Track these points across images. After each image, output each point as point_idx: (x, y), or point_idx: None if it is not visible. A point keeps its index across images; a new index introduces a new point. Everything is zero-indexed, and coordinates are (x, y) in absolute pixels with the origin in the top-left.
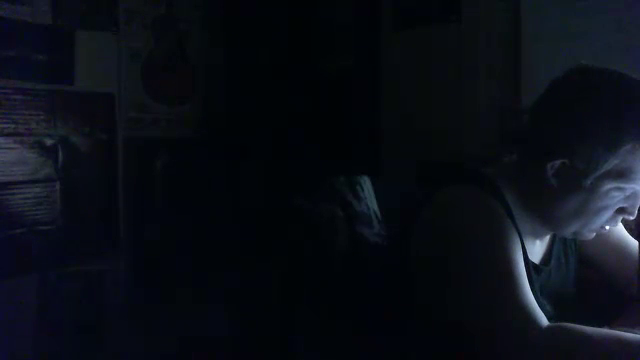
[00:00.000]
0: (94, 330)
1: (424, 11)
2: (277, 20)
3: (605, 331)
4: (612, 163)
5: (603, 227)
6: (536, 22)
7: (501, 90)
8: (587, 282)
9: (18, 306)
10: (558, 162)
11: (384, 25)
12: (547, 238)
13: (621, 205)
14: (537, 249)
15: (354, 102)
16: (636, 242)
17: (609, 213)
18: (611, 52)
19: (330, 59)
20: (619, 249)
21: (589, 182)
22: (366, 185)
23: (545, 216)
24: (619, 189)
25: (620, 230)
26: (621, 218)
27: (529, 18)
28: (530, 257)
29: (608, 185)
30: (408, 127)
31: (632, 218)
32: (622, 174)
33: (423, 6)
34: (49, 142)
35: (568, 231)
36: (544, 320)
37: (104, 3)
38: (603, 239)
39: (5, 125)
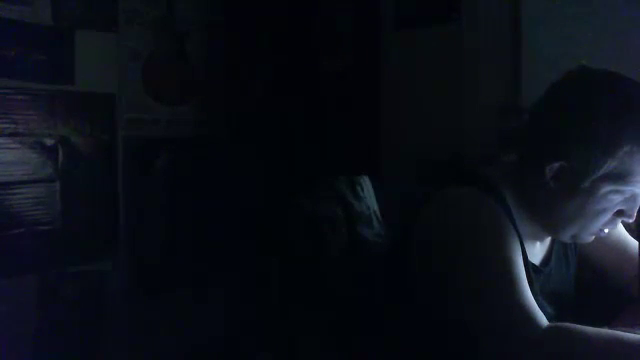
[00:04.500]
0: (94, 330)
1: (424, 11)
2: (277, 20)
3: (605, 331)
4: (610, 165)
5: (602, 230)
6: (536, 22)
7: (501, 90)
8: (587, 282)
9: (18, 306)
10: (557, 164)
11: (384, 25)
12: (547, 239)
13: (620, 208)
14: (537, 250)
15: (354, 102)
16: (636, 242)
17: (608, 216)
18: (611, 53)
19: (330, 59)
20: (619, 249)
21: (587, 184)
22: (366, 185)
23: (544, 218)
24: (617, 192)
25: (620, 230)
26: (620, 221)
27: (529, 18)
28: (530, 258)
29: (606, 188)
30: (408, 127)
31: (631, 221)
32: (620, 176)
33: (423, 6)
34: (49, 142)
35: (567, 234)
36: (544, 320)
37: (104, 3)
38: (603, 240)
39: (5, 125)
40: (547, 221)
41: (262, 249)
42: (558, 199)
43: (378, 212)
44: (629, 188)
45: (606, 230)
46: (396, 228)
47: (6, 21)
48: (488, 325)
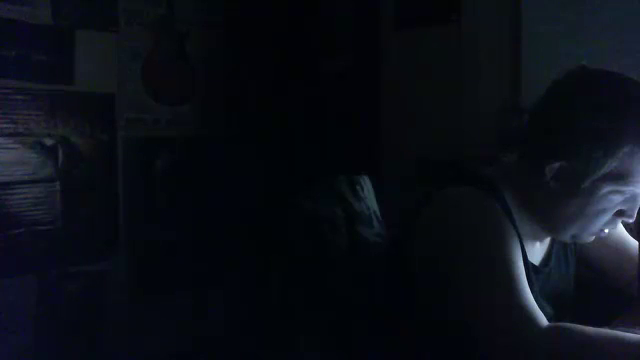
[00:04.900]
0: (94, 330)
1: (424, 11)
2: (277, 20)
3: (605, 331)
4: (611, 166)
5: (602, 230)
6: (536, 22)
7: (501, 90)
8: (587, 282)
9: (18, 306)
10: (557, 164)
11: (384, 25)
12: (547, 239)
13: (620, 208)
14: (537, 250)
15: (354, 102)
16: (636, 242)
17: (608, 216)
18: (611, 52)
19: (330, 59)
20: (619, 249)
21: (588, 185)
22: (366, 185)
23: (544, 218)
24: (618, 192)
25: (620, 230)
26: (620, 221)
27: (529, 18)
28: (530, 258)
29: (606, 188)
30: (408, 127)
31: (631, 221)
32: (621, 177)
33: (423, 6)
34: (49, 142)
35: (567, 234)
36: (544, 320)
37: (104, 3)
38: (603, 240)
39: (5, 125)
40: (547, 221)
41: (262, 249)
42: (558, 199)
43: (378, 212)
44: (629, 188)
45: (606, 230)
46: (396, 228)
47: (6, 21)
48: (488, 325)
